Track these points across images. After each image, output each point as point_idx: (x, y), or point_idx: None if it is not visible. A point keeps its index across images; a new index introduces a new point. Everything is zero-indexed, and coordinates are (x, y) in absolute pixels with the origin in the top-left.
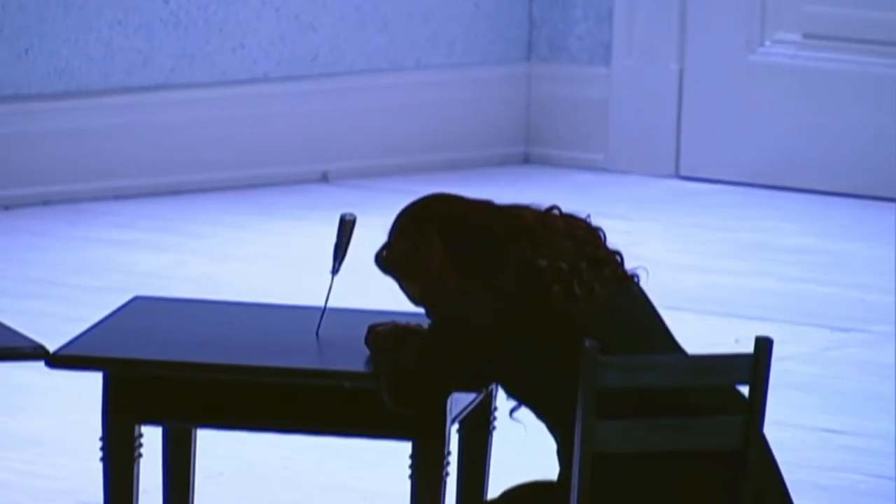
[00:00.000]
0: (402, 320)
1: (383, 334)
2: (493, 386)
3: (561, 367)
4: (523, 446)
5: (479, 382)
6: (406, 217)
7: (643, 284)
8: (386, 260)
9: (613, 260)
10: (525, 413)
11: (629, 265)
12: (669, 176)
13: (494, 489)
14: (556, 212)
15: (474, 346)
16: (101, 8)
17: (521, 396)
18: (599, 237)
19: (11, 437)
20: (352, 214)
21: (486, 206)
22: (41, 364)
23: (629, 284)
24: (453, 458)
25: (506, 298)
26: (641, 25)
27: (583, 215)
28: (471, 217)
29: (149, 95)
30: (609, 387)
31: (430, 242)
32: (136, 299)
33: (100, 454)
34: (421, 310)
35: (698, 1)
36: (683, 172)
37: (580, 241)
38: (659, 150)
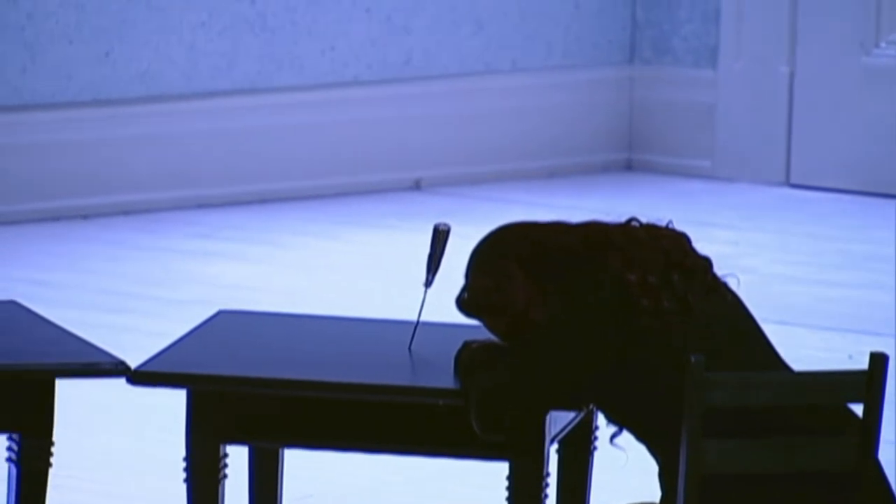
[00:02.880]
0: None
1: (476, 352)
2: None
3: (656, 386)
4: (625, 466)
5: (575, 403)
6: (481, 254)
7: (736, 290)
8: (467, 303)
9: (703, 266)
10: (626, 437)
11: (736, 276)
12: (779, 184)
13: None
14: (635, 223)
15: (568, 368)
16: (184, 10)
17: (619, 418)
18: (686, 242)
19: (91, 456)
20: (446, 224)
21: (562, 227)
22: (122, 381)
23: (723, 293)
24: (552, 480)
25: (596, 318)
26: (750, 26)
27: (663, 222)
28: (549, 242)
29: (233, 100)
30: (714, 405)
31: (510, 276)
32: (220, 313)
33: (183, 475)
34: None
35: (810, 0)
36: (794, 180)
37: (667, 250)
38: (768, 157)
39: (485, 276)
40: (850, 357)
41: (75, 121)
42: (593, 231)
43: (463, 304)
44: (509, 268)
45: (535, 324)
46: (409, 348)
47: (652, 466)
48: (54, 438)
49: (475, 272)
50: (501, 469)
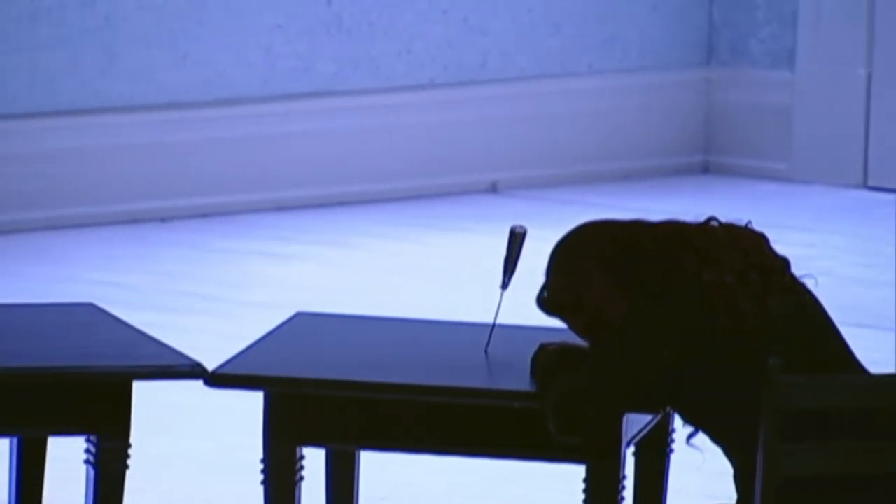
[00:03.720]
0: (573, 339)
1: (552, 354)
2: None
3: (732, 388)
4: (702, 469)
5: (651, 405)
6: (560, 253)
7: (814, 291)
8: (547, 301)
9: (781, 267)
10: (702, 438)
11: (813, 277)
12: (856, 186)
13: None
14: (713, 223)
15: (644, 369)
16: (261, 12)
17: (694, 420)
18: (764, 243)
19: (168, 458)
20: (522, 226)
21: (641, 225)
22: (200, 383)
23: (801, 293)
24: (629, 482)
25: (673, 318)
26: (827, 28)
27: (742, 222)
28: (627, 241)
29: (310, 103)
30: (792, 408)
31: (588, 275)
32: (297, 315)
33: (260, 477)
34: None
35: (887, 2)
36: (872, 182)
37: (745, 250)
38: (845, 159)
39: (564, 275)
40: None
41: (153, 123)
42: (671, 230)
43: (543, 303)
44: (588, 267)
45: (613, 323)
46: (486, 350)
47: (728, 469)
48: (131, 440)
49: (554, 271)
50: (578, 472)
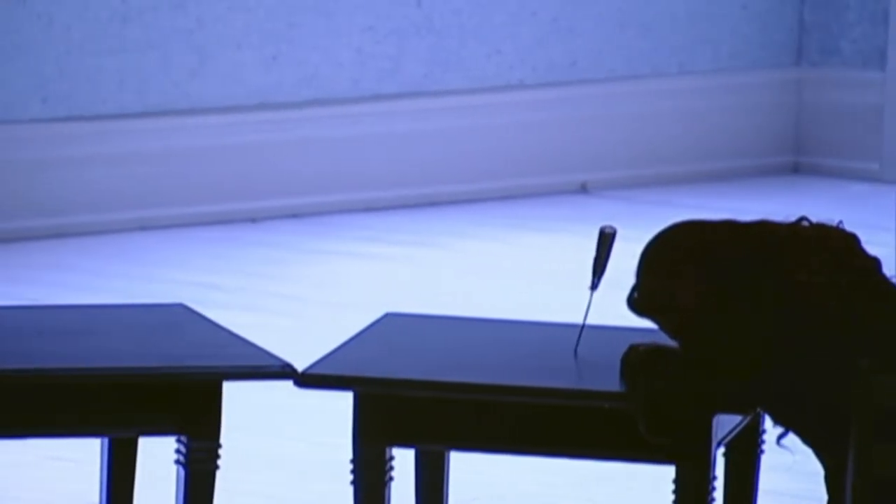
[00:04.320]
0: (664, 340)
1: (643, 354)
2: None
3: (822, 388)
4: (792, 469)
5: (742, 406)
6: (651, 253)
7: None
8: (638, 302)
9: (873, 267)
10: (793, 439)
11: None
12: None
13: None
14: (804, 223)
15: (735, 369)
16: (351, 13)
17: (784, 420)
18: (856, 243)
19: (258, 459)
20: (612, 227)
21: (732, 225)
22: (289, 383)
23: (893, 293)
24: (719, 483)
25: (764, 319)
26: None
27: (833, 222)
28: (718, 241)
29: (400, 103)
30: (885, 408)
31: (680, 276)
32: (386, 315)
33: (350, 477)
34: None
35: None
36: None
37: (837, 250)
38: None
39: (654, 275)
40: None
41: (243, 124)
42: (762, 230)
43: (633, 303)
44: (679, 268)
45: (703, 324)
46: (575, 351)
47: (819, 470)
48: (221, 441)
49: (645, 272)
50: (667, 472)
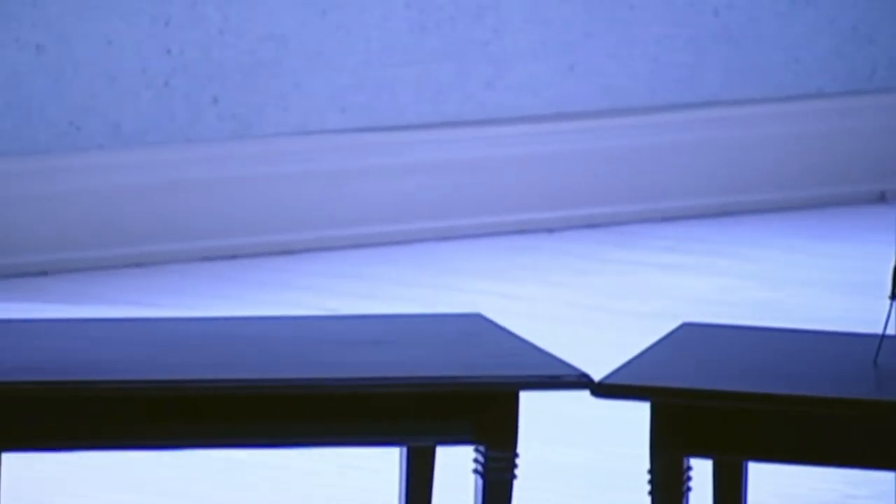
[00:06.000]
0: None
1: None
2: None
3: None
4: None
5: None
6: None
7: None
8: None
9: None
10: None
11: None
12: None
13: None
14: None
15: None
16: (648, 23)
17: None
18: None
19: (555, 468)
20: None
21: None
22: (585, 393)
23: None
24: None
25: None
26: None
27: None
28: None
29: (697, 112)
30: None
31: None
32: (683, 325)
33: (647, 488)
34: None
35: None
36: None
37: None
38: None
39: None
40: None
41: (539, 134)
42: None
43: None
44: None
45: None
46: (875, 361)
47: None
48: (518, 450)
49: None
50: None
